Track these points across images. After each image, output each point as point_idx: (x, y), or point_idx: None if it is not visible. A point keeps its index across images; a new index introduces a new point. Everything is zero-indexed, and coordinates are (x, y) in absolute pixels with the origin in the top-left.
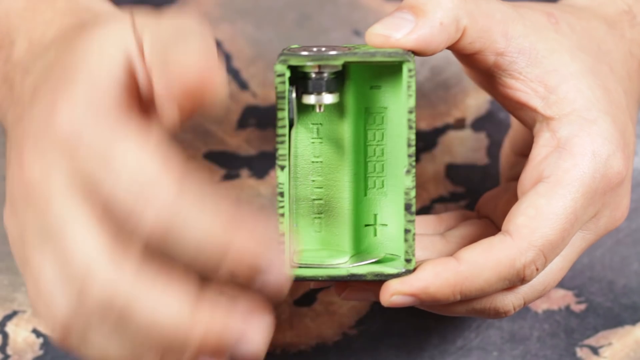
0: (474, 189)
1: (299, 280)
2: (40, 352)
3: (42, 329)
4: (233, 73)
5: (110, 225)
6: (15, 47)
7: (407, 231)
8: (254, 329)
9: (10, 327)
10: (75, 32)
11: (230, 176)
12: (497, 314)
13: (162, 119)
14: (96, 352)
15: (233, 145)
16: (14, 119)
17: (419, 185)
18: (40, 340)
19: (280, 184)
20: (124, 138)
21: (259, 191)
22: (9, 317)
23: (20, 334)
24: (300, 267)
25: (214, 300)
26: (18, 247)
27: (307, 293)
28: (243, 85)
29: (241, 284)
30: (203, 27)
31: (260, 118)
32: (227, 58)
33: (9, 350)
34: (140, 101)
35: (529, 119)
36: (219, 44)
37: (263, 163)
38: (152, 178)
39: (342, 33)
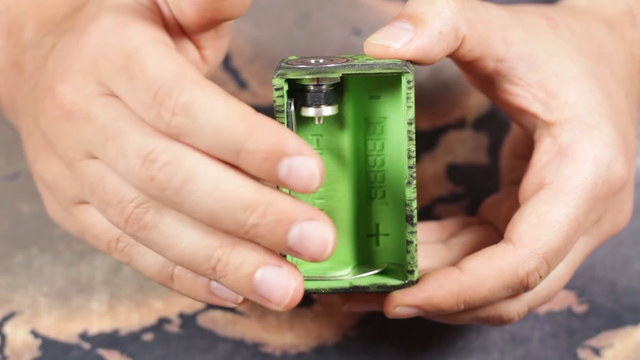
0: (474, 189)
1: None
2: (39, 353)
3: (41, 329)
4: (232, 72)
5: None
6: (24, 32)
7: (409, 243)
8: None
9: (8, 328)
10: (85, 9)
11: None
12: (502, 322)
13: (183, 16)
14: (168, 240)
15: None
16: (28, 90)
17: (420, 185)
18: (39, 341)
19: None
20: (146, 46)
21: None
22: (7, 318)
23: (18, 335)
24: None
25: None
26: (67, 180)
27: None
28: (243, 84)
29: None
30: None
31: None
32: (226, 57)
33: (7, 351)
34: (166, 26)
35: (530, 125)
36: None
37: None
38: (172, 77)
39: (341, 32)
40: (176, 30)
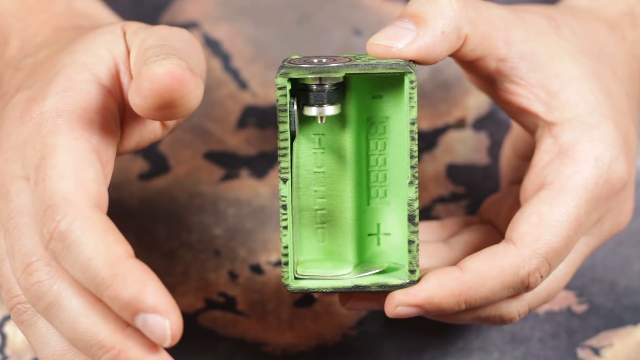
0: (474, 189)
1: (303, 292)
2: None
3: None
4: (233, 72)
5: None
6: (8, 47)
7: (410, 242)
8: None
9: (9, 328)
10: (68, 34)
11: (229, 176)
12: (502, 321)
13: (134, 107)
14: (38, 343)
15: (233, 145)
16: None
17: (420, 185)
18: None
19: (282, 196)
20: (61, 152)
21: (258, 191)
22: (7, 318)
23: (19, 334)
24: (304, 278)
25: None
26: None
27: (307, 294)
28: (243, 84)
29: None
30: (191, 38)
31: (260, 118)
32: (226, 57)
33: (7, 351)
34: (123, 103)
35: (531, 125)
36: (218, 44)
37: (263, 163)
38: (61, 200)
39: (342, 32)
40: None
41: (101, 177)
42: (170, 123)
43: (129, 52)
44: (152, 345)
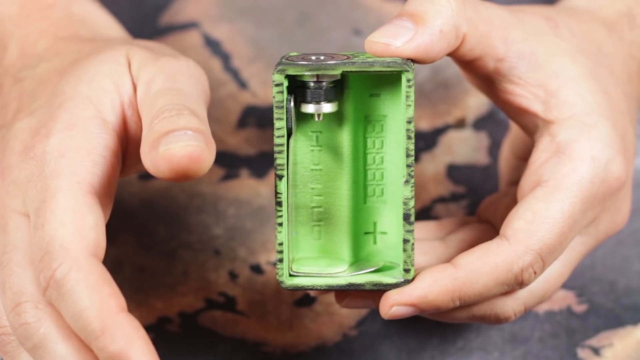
0: (474, 189)
1: (298, 290)
2: None
3: None
4: (233, 73)
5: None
6: (7, 53)
7: (405, 241)
8: None
9: None
10: (69, 47)
11: (229, 176)
12: (498, 320)
13: (148, 170)
14: None
15: (233, 145)
16: None
17: (420, 185)
18: None
19: (278, 193)
20: (62, 197)
21: (258, 191)
22: None
23: None
24: (299, 275)
25: None
26: None
27: (307, 294)
28: (243, 84)
29: None
30: (196, 69)
31: (260, 118)
32: (226, 57)
33: None
34: (126, 137)
35: (530, 125)
36: (218, 44)
37: (263, 163)
38: (59, 248)
39: (341, 32)
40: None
41: (100, 222)
42: None
43: (134, 86)
44: None
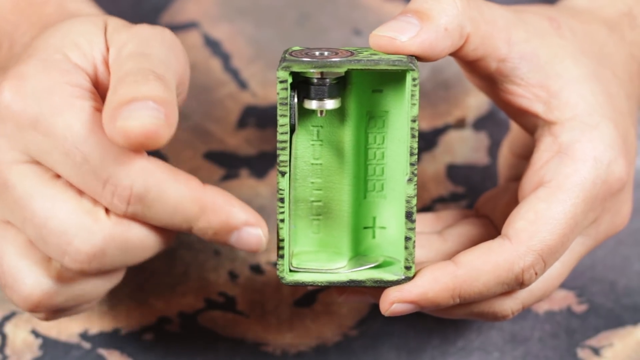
0: (474, 189)
1: (298, 285)
2: (39, 353)
3: (42, 329)
4: (233, 73)
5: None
6: (1, 50)
7: (407, 239)
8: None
9: (9, 328)
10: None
11: (229, 176)
12: (496, 318)
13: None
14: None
15: (233, 145)
16: None
17: (420, 185)
18: (39, 340)
19: (280, 189)
20: (78, 126)
21: (258, 191)
22: (7, 318)
23: (19, 334)
24: (299, 271)
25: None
26: None
27: (307, 294)
28: (243, 85)
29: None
30: (173, 39)
31: (260, 118)
32: (226, 57)
33: (7, 351)
34: (100, 94)
35: (531, 125)
36: (218, 44)
37: (263, 163)
38: (119, 168)
39: (341, 32)
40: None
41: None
42: None
43: (107, 48)
44: None
